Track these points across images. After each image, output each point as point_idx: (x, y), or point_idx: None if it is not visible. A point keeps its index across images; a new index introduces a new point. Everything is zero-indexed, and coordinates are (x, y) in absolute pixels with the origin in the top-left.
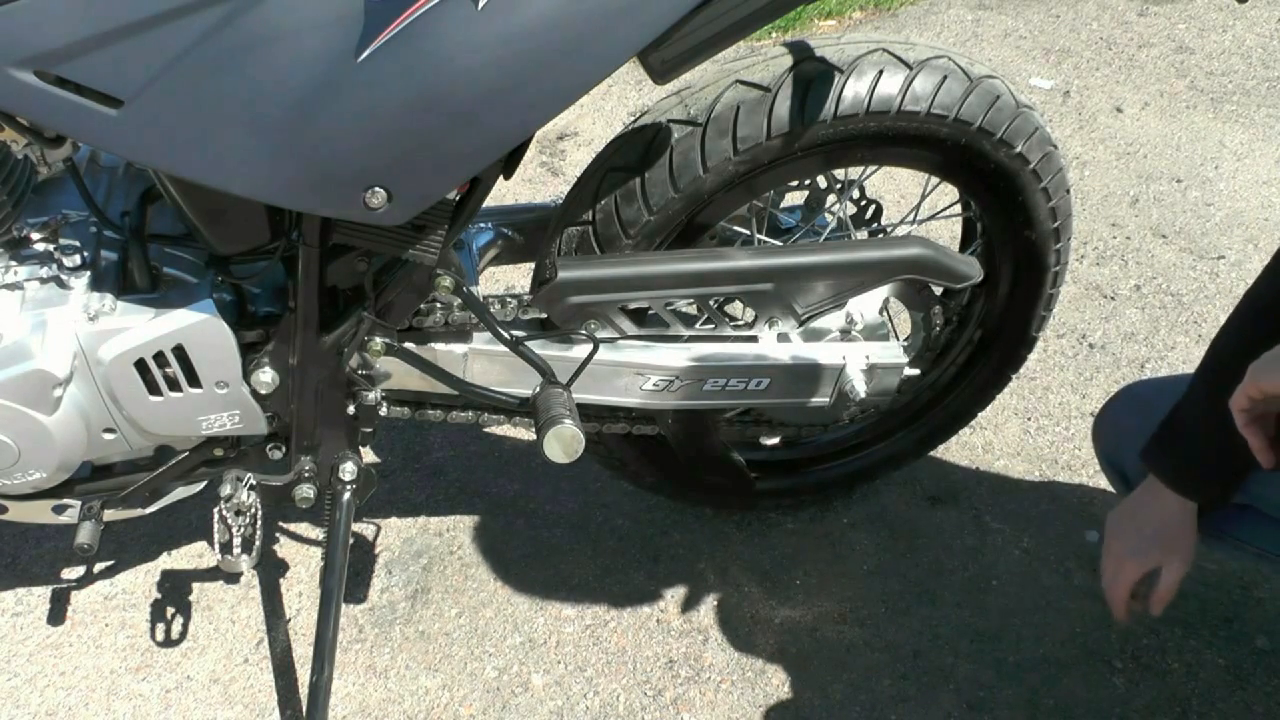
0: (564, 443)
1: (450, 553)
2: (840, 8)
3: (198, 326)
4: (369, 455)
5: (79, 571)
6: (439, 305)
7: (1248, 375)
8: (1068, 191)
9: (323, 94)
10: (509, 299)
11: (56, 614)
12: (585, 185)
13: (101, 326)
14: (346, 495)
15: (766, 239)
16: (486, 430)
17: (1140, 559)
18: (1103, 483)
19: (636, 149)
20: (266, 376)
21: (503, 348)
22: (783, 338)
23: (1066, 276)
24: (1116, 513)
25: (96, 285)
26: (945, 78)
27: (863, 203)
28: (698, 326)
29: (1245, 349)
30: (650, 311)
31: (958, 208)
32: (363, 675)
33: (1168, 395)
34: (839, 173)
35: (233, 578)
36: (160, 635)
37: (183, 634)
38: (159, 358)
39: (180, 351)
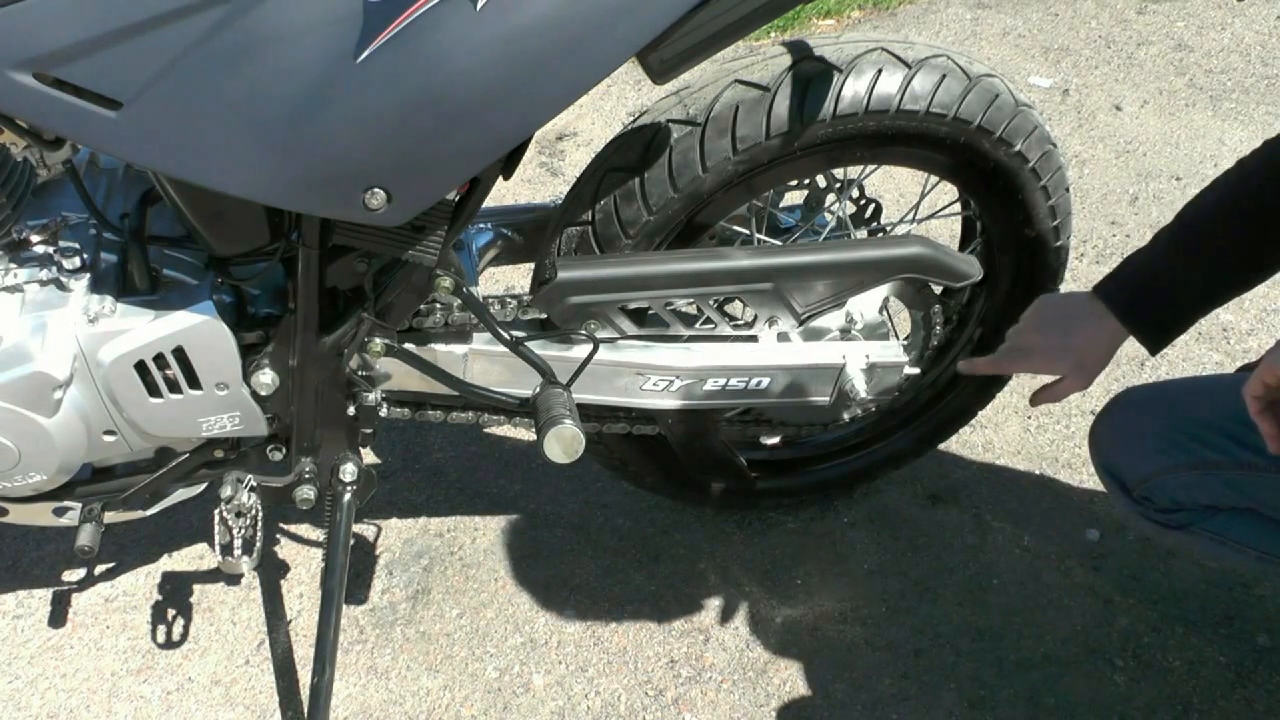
0: (564, 443)
1: (451, 553)
2: (839, 7)
3: (198, 328)
4: (369, 456)
5: (80, 574)
6: (439, 306)
7: (1263, 362)
8: (1067, 190)
9: (322, 95)
10: (509, 299)
11: (57, 616)
12: (585, 185)
13: (101, 328)
14: (347, 496)
15: (766, 239)
16: (487, 431)
17: (1049, 361)
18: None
19: (635, 149)
20: (266, 378)
21: (503, 348)
22: (783, 337)
23: (1066, 275)
24: (1052, 305)
25: (96, 287)
26: (944, 76)
27: (862, 202)
28: (697, 326)
29: (1205, 207)
30: (650, 311)
31: (957, 206)
32: (364, 676)
33: (1164, 400)
34: (838, 172)
35: (233, 579)
36: (161, 637)
37: (184, 636)
38: (159, 359)
39: (180, 353)
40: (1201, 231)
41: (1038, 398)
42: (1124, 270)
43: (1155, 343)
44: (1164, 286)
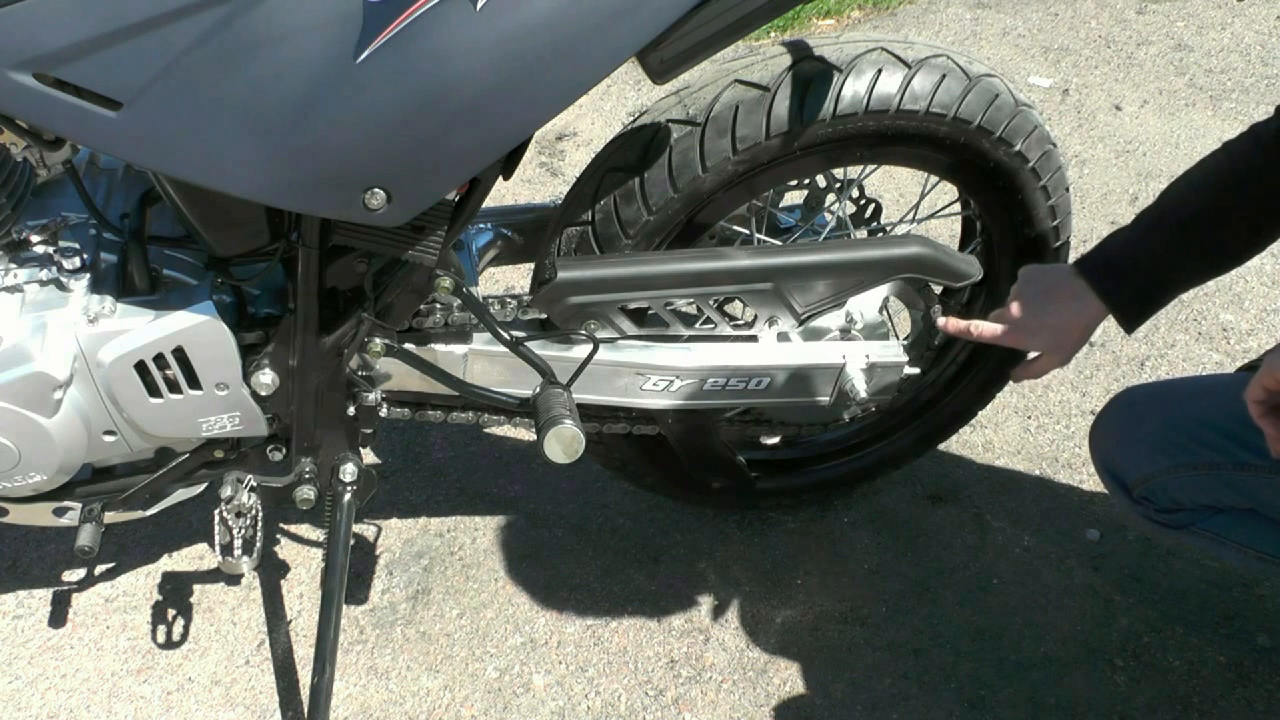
0: (564, 443)
1: (451, 553)
2: (839, 7)
3: (198, 328)
4: (369, 456)
5: (80, 574)
6: (439, 306)
7: (1264, 366)
8: (1067, 189)
9: (322, 95)
10: (509, 299)
11: (57, 616)
12: (584, 185)
13: (101, 329)
14: (347, 496)
15: (766, 238)
16: (487, 431)
17: (1028, 338)
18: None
19: (635, 149)
20: (266, 378)
21: (503, 348)
22: (783, 337)
23: None
24: (1034, 278)
25: (96, 287)
26: (944, 76)
27: (862, 201)
28: (697, 326)
29: (1188, 188)
30: (650, 311)
31: (957, 206)
32: (364, 676)
33: (1164, 400)
34: (838, 172)
35: (233, 579)
36: (161, 637)
37: (184, 636)
38: (159, 360)
39: (180, 353)
40: (1183, 212)
41: (1018, 374)
42: (1106, 247)
43: (1131, 320)
44: (1144, 264)
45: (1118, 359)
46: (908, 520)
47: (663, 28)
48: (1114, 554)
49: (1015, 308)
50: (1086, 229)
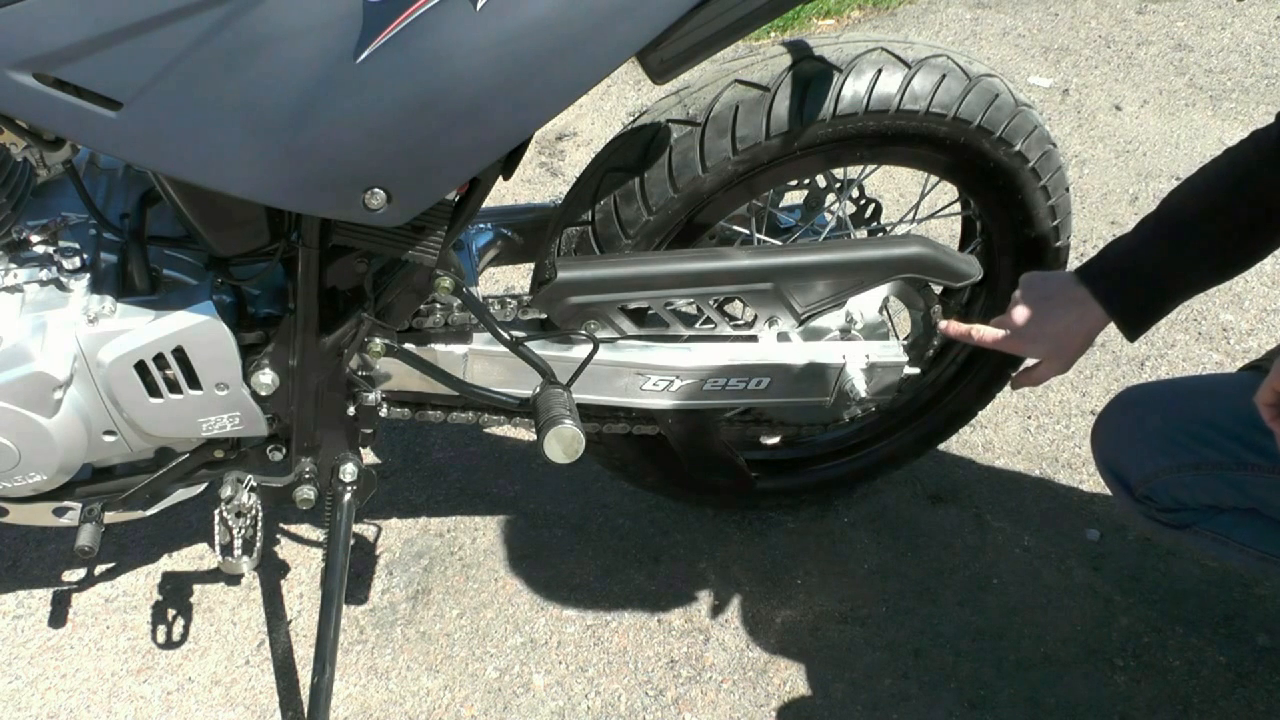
0: (564, 443)
1: (451, 553)
2: (839, 7)
3: (198, 328)
4: (369, 456)
5: (80, 574)
6: (439, 306)
7: (1275, 368)
8: (1067, 189)
9: (322, 95)
10: (509, 299)
11: (57, 616)
12: (584, 185)
13: (101, 329)
14: (347, 496)
15: (766, 238)
16: (487, 431)
17: (1028, 345)
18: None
19: (635, 149)
20: (266, 378)
21: (503, 348)
22: (783, 337)
23: None
24: (1035, 285)
25: (96, 287)
26: (944, 76)
27: (862, 201)
28: (697, 326)
29: (1190, 194)
30: (650, 311)
31: (957, 206)
32: (364, 676)
33: (1166, 399)
34: (838, 172)
35: (234, 579)
36: (161, 637)
37: (184, 636)
38: (159, 360)
39: (180, 353)
40: (1185, 218)
41: (1017, 381)
42: (1107, 254)
43: (1133, 328)
44: (1146, 272)
45: (1118, 359)
46: (908, 520)
47: (663, 28)
48: (1114, 554)
49: (1016, 314)
50: (1086, 229)
